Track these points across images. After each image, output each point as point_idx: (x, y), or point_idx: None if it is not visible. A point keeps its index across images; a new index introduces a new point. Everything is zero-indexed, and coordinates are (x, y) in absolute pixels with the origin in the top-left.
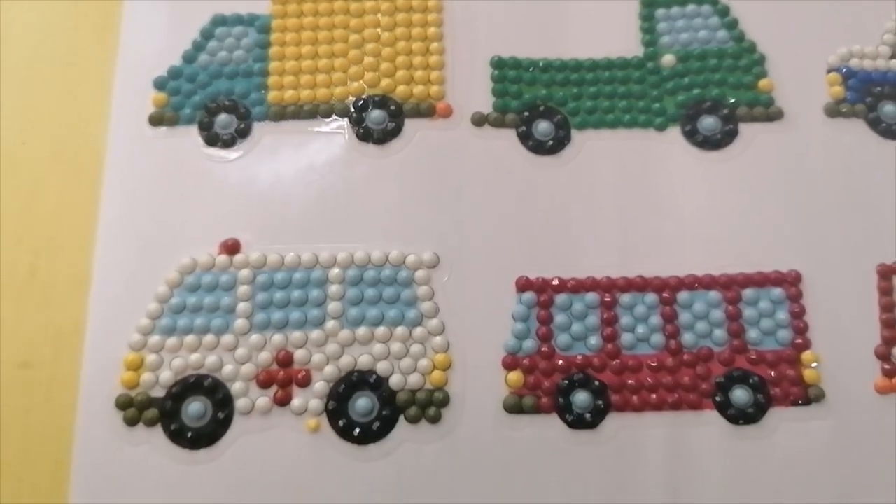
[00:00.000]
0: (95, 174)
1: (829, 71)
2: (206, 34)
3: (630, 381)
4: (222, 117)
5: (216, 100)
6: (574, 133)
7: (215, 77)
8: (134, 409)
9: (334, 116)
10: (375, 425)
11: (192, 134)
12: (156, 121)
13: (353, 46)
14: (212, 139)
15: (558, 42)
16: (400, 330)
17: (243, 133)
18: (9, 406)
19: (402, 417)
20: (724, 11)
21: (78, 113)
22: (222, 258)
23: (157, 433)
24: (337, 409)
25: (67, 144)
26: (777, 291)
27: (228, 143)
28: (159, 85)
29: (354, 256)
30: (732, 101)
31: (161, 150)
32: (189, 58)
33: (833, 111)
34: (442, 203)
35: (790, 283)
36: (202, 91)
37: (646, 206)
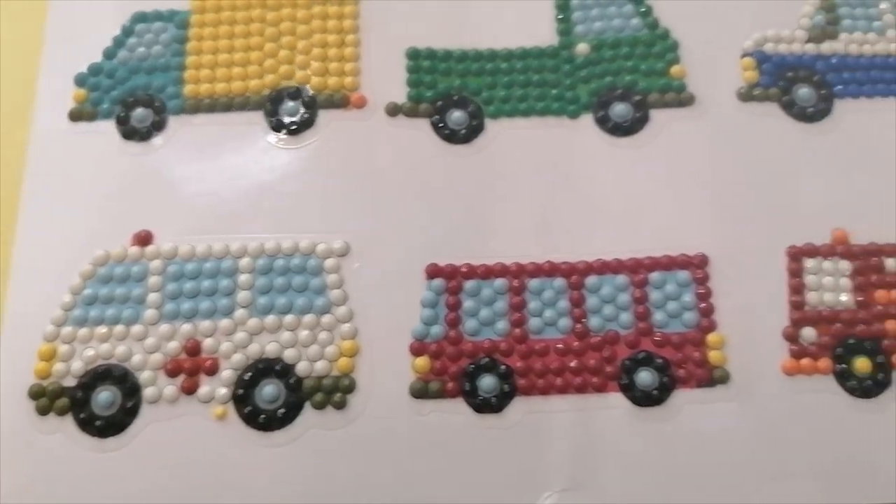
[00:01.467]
0: (17, 170)
1: (744, 56)
2: (127, 31)
3: (537, 365)
4: (139, 111)
5: (134, 94)
6: (488, 122)
7: (134, 72)
8: (46, 399)
9: (249, 109)
10: (280, 412)
11: (110, 129)
12: (75, 116)
13: (269, 40)
14: (128, 133)
15: (475, 33)
16: (308, 318)
17: (159, 126)
18: None
19: (308, 404)
20: (638, 0)
21: (2, 109)
22: (134, 250)
23: (69, 422)
24: (243, 396)
25: None
26: (683, 274)
27: (144, 137)
28: (79, 81)
29: (265, 246)
30: (643, 87)
31: (80, 145)
32: (109, 54)
33: (746, 95)
34: (354, 192)
35: (696, 265)
36: (121, 86)
37: (557, 192)
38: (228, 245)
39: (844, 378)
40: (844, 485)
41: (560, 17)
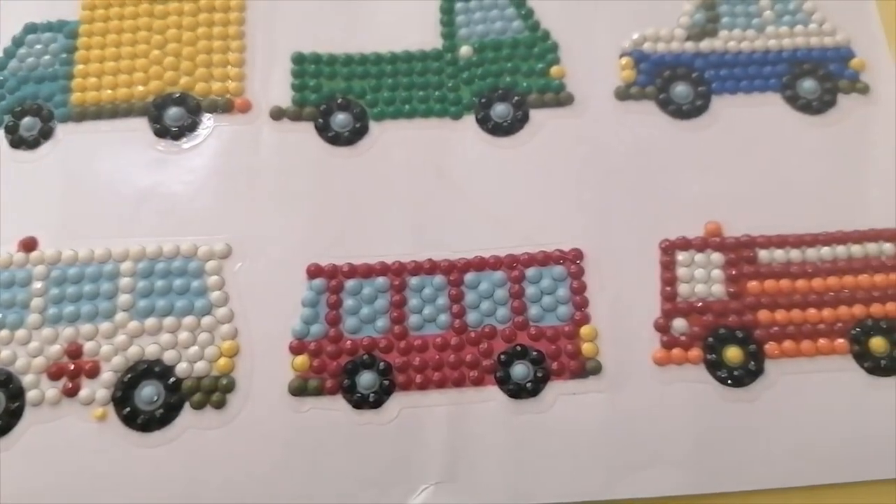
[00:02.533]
0: None
1: (622, 55)
2: (17, 41)
3: (415, 361)
4: (27, 120)
5: (22, 104)
6: (372, 124)
7: (23, 82)
8: None
9: (134, 115)
10: (159, 412)
11: None
12: None
13: (155, 47)
14: (17, 142)
15: (362, 37)
16: (188, 319)
17: (46, 134)
18: None
19: (187, 404)
20: (519, 2)
21: None
22: (19, 255)
23: None
24: (123, 397)
25: None
26: (558, 269)
27: (32, 145)
28: None
29: (147, 249)
30: (523, 87)
31: None
32: (0, 65)
33: (623, 94)
34: (238, 195)
35: (571, 260)
36: (10, 96)
37: (438, 191)
38: (111, 249)
39: (715, 368)
40: (712, 473)
41: (444, 20)
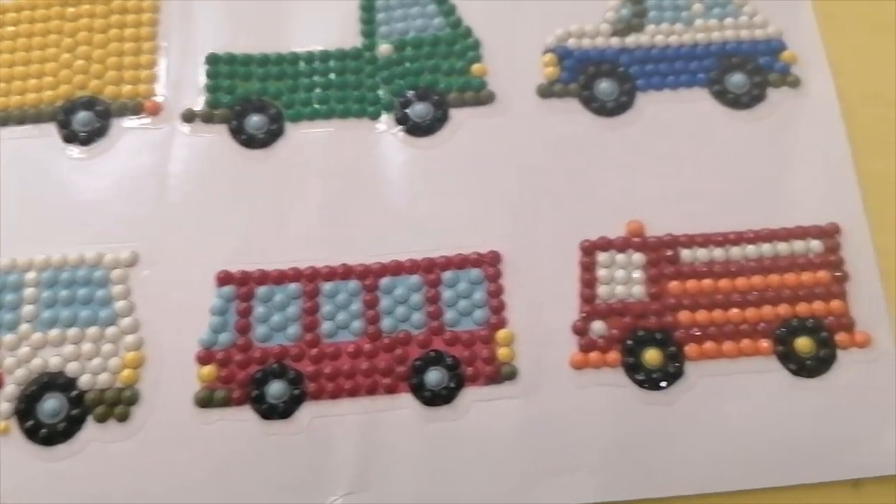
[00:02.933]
0: None
1: (546, 52)
2: None
3: (327, 369)
4: None
5: None
6: (289, 125)
7: None
8: None
9: (43, 120)
10: (61, 426)
11: None
12: None
13: (66, 50)
14: None
15: (280, 37)
16: (92, 330)
17: None
18: None
19: (91, 417)
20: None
21: None
22: None
23: None
24: (25, 411)
25: None
26: (475, 272)
27: None
28: None
29: (51, 259)
30: (443, 86)
31: None
32: None
33: (546, 91)
34: (148, 200)
35: (489, 263)
36: None
37: (356, 194)
38: (15, 259)
39: (633, 371)
40: (628, 479)
41: (364, 18)
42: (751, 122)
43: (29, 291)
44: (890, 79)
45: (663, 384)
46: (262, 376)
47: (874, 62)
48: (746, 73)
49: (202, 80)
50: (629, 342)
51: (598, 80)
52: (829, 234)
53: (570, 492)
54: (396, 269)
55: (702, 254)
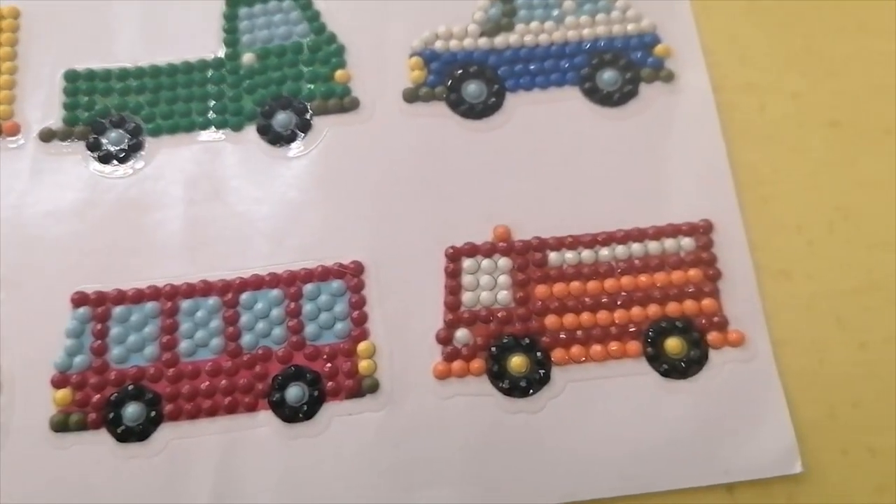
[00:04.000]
0: None
1: (412, 55)
2: None
3: (186, 389)
4: None
5: None
6: (148, 140)
7: None
8: None
9: None
10: None
11: None
12: None
13: None
14: None
15: (143, 50)
16: None
17: None
18: None
19: None
20: (305, 5)
21: None
22: None
23: None
24: None
25: None
26: (337, 284)
27: None
28: None
29: None
30: (307, 94)
31: None
32: None
33: (411, 96)
34: (3, 221)
35: (351, 274)
36: None
37: (216, 208)
38: None
39: (498, 378)
40: (493, 489)
41: (226, 27)
42: (623, 120)
43: None
44: (765, 68)
45: (530, 391)
46: (117, 399)
47: (750, 53)
48: (618, 70)
49: (61, 97)
50: (493, 349)
51: (465, 82)
52: (702, 230)
53: None
54: (257, 283)
55: (570, 256)
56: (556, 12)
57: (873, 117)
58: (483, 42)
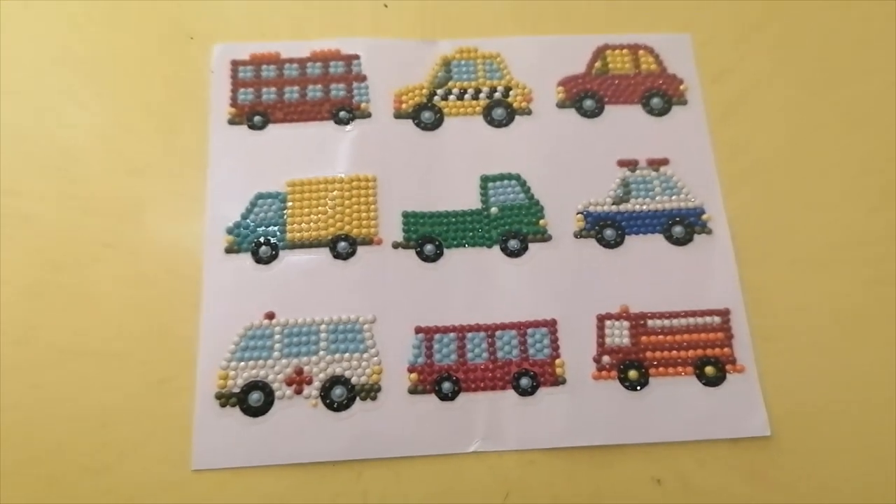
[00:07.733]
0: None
1: (577, 213)
2: (252, 203)
3: (471, 377)
4: (263, 248)
5: (258, 238)
6: (447, 251)
7: (259, 226)
8: None
9: None
10: None
11: None
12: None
13: None
14: (258, 259)
15: (440, 203)
16: None
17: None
18: None
19: None
20: (523, 183)
21: None
22: (265, 321)
23: None
24: None
25: None
26: (542, 330)
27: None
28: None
29: None
30: (524, 231)
31: None
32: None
33: (578, 235)
34: None
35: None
36: (252, 234)
37: (490, 285)
38: None
39: (622, 381)
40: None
41: (482, 192)
42: (686, 255)
43: None
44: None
45: (637, 388)
46: (438, 378)
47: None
48: (683, 226)
49: (401, 226)
50: (621, 366)
51: (605, 229)
52: (724, 314)
53: None
54: (503, 326)
55: (659, 322)
56: (651, 193)
57: None
58: (614, 207)
